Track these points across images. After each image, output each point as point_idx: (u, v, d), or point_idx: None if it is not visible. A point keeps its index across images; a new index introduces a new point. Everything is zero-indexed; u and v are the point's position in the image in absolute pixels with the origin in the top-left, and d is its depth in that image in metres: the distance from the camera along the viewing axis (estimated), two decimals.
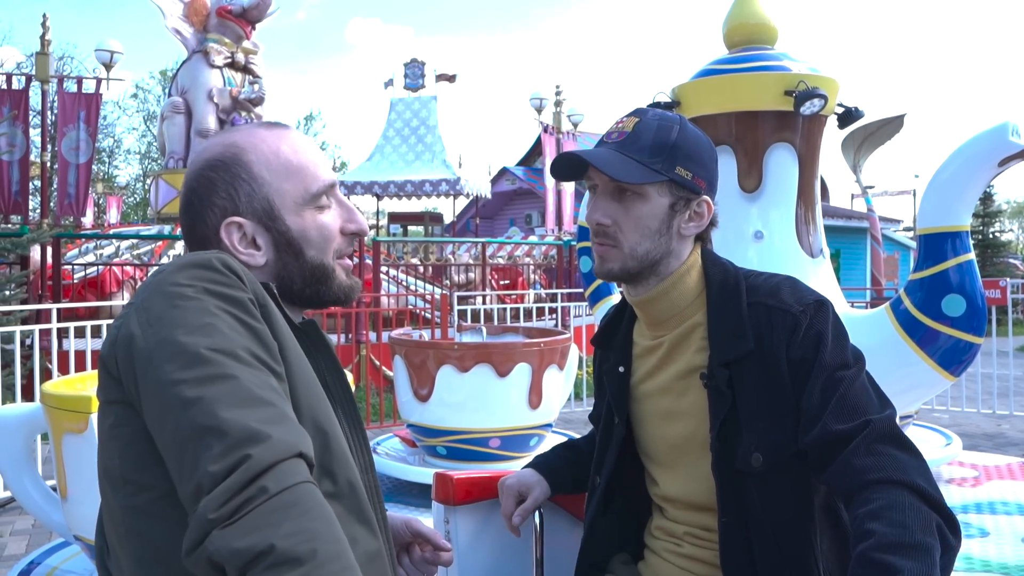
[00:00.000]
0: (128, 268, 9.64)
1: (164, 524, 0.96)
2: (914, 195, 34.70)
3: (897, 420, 1.27)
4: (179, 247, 11.41)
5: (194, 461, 0.87)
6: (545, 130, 16.61)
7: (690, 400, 1.42)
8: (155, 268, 1.18)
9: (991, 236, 22.68)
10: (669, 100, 3.69)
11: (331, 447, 1.04)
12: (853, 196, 24.40)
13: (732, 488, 1.34)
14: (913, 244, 26.70)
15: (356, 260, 9.33)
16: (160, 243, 11.25)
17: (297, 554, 0.82)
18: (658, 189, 1.39)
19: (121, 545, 1.01)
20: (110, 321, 6.16)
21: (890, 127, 13.28)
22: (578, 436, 1.83)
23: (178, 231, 11.85)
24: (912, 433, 4.90)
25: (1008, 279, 7.36)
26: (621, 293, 1.55)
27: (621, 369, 1.53)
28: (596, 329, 1.68)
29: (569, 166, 1.43)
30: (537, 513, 1.70)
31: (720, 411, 1.35)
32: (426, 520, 1.49)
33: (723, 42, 3.85)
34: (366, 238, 10.57)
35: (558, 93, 16.69)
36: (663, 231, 1.41)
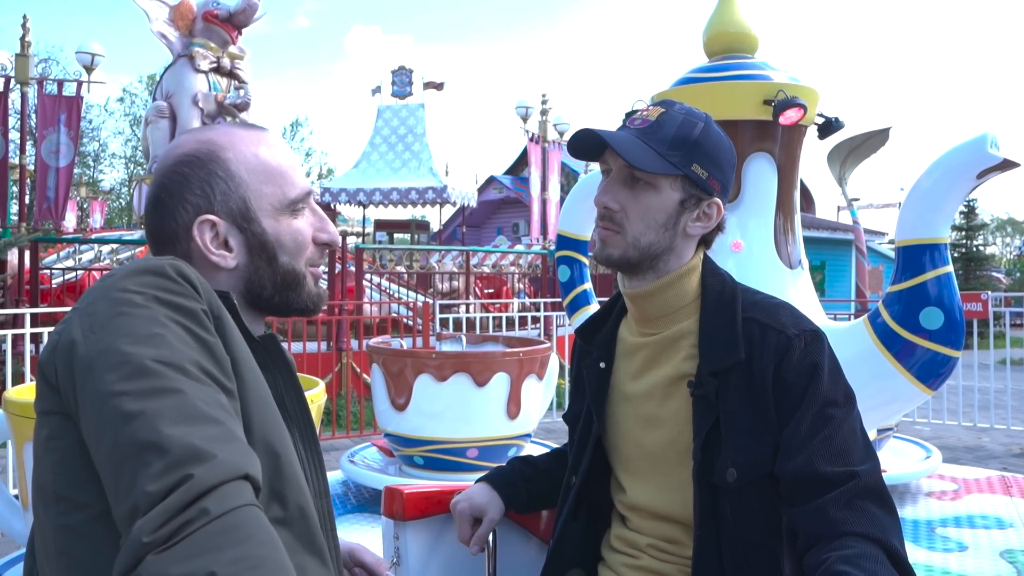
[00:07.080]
0: None
1: (97, 546, 0.89)
2: (899, 208, 34.97)
3: (881, 472, 1.27)
4: None
5: (131, 479, 0.81)
6: (531, 139, 16.59)
7: (672, 408, 1.40)
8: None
9: (974, 249, 22.80)
10: None
11: (283, 470, 0.97)
12: (839, 208, 24.50)
13: (709, 501, 1.33)
14: None
15: (339, 267, 9.32)
16: (142, 248, 11.15)
17: None
18: (671, 182, 1.37)
19: (50, 567, 0.94)
20: None
21: (875, 140, 13.36)
22: (559, 447, 1.77)
23: None
24: (892, 446, 4.88)
25: (990, 292, 7.37)
26: (599, 303, 1.51)
27: (602, 365, 1.50)
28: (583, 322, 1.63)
29: (587, 145, 1.40)
30: None
31: (706, 421, 1.33)
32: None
33: (703, 50, 3.83)
34: (351, 245, 10.55)
35: (544, 102, 16.65)
36: (669, 226, 1.38)
